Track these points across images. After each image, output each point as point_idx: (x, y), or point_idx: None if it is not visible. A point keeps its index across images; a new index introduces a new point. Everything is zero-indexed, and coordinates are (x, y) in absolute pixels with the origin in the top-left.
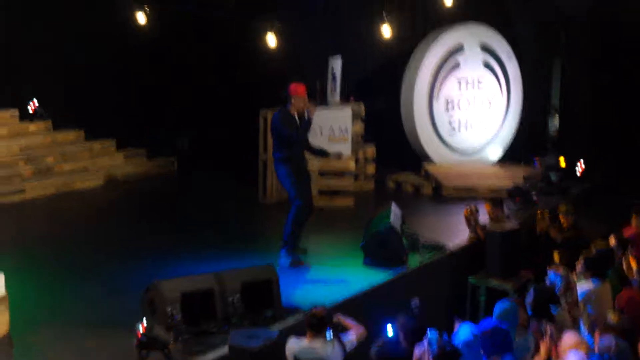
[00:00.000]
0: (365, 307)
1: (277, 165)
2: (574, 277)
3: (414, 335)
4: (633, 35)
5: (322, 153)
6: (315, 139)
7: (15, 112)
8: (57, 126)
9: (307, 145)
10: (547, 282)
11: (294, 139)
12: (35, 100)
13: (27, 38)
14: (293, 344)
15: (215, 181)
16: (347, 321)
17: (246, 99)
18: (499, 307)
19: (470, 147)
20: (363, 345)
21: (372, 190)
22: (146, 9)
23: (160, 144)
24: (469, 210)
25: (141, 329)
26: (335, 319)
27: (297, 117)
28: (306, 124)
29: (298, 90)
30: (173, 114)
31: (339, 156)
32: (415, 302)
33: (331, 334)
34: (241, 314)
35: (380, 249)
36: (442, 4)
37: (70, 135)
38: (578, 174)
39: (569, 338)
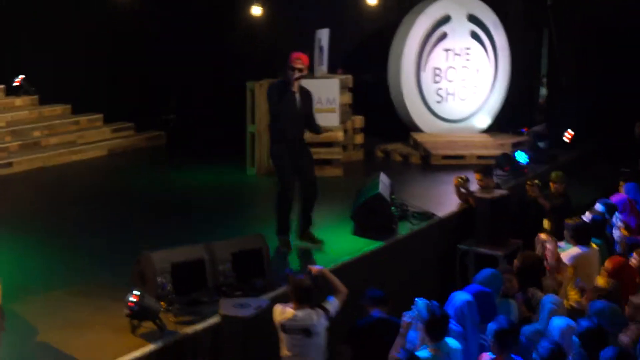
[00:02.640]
0: (353, 275)
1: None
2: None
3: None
4: (618, 4)
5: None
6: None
7: (0, 87)
8: (44, 102)
9: (309, 123)
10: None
11: (276, 112)
12: (21, 76)
13: (13, 14)
14: (278, 313)
15: (203, 154)
16: (333, 278)
17: (233, 71)
18: (481, 274)
19: (459, 115)
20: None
21: (361, 160)
22: None
23: (148, 118)
24: (459, 178)
25: (132, 299)
26: (320, 274)
27: (296, 91)
28: (297, 100)
29: (290, 57)
30: (160, 87)
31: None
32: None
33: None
34: (232, 284)
35: (370, 218)
36: None
37: (56, 109)
38: (567, 142)
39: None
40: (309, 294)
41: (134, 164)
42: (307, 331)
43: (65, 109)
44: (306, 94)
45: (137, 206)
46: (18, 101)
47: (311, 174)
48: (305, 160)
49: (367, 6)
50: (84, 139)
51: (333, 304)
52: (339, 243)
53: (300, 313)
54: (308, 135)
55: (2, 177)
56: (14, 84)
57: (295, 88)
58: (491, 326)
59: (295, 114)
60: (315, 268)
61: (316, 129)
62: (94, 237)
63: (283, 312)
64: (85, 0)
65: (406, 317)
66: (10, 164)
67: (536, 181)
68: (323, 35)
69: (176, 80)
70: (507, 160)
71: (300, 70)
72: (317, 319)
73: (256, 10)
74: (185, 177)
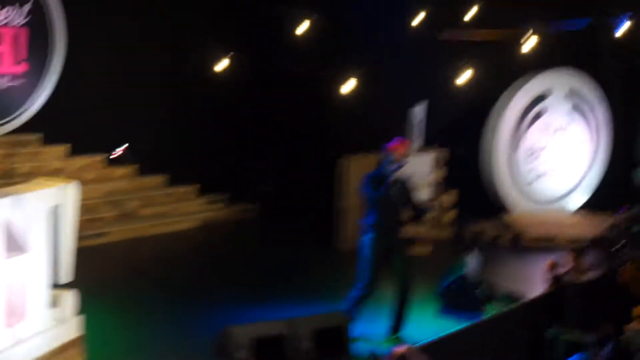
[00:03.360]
0: (437, 356)
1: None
2: None
3: None
4: None
5: (422, 210)
6: None
7: (104, 157)
8: (143, 172)
9: (408, 207)
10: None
11: (375, 197)
12: (124, 145)
13: (118, 88)
14: None
15: (293, 227)
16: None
17: (325, 146)
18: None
19: (552, 195)
20: None
21: (451, 238)
22: (231, 55)
23: (242, 190)
24: (551, 264)
25: None
26: (414, 357)
27: (394, 182)
28: (397, 182)
29: (399, 148)
30: (255, 160)
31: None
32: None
33: None
34: None
35: (458, 297)
36: (521, 51)
37: (154, 180)
38: None
39: None
40: None
41: (224, 237)
42: None
43: (164, 179)
44: (403, 184)
45: (224, 278)
46: (119, 171)
47: (402, 276)
48: (397, 259)
49: (464, 82)
50: (178, 210)
51: None
52: (424, 322)
53: None
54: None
55: (96, 247)
56: (115, 155)
57: (392, 179)
58: None
59: (394, 205)
60: (400, 350)
61: (420, 213)
62: (181, 309)
63: None
64: (186, 71)
65: None
66: (104, 234)
67: (633, 264)
68: (420, 110)
69: (271, 155)
70: (603, 241)
71: (398, 161)
72: None
73: (350, 85)
74: (272, 250)
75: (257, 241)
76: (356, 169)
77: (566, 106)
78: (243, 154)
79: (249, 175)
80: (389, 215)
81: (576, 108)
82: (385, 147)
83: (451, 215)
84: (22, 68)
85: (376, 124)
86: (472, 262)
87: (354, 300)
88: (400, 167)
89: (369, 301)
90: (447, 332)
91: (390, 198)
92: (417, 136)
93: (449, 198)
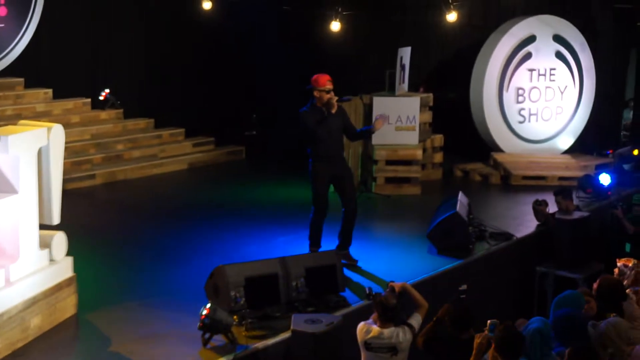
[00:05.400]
0: (429, 294)
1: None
2: None
3: (462, 322)
4: None
5: (366, 133)
6: (384, 127)
7: (87, 101)
8: (128, 115)
9: (351, 137)
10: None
11: (314, 134)
12: (107, 90)
13: (102, 28)
14: (363, 331)
15: (282, 168)
16: (415, 292)
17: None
18: (563, 294)
19: (541, 136)
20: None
21: (440, 179)
22: None
23: (229, 133)
24: (537, 201)
25: (204, 312)
26: (403, 289)
27: (325, 112)
28: (332, 119)
29: (319, 81)
30: (241, 103)
31: (382, 118)
32: (463, 288)
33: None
34: (305, 300)
35: (446, 237)
36: None
37: (140, 123)
38: None
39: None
40: (394, 312)
41: (213, 178)
42: (393, 349)
43: (149, 122)
44: (341, 110)
45: (214, 220)
46: (103, 114)
47: (352, 191)
48: (346, 179)
49: (451, 25)
50: (165, 152)
51: (417, 319)
52: (415, 261)
53: (386, 331)
54: (388, 152)
55: (85, 189)
56: (100, 98)
57: (334, 109)
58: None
59: (335, 133)
60: (397, 284)
61: (354, 135)
62: (171, 249)
63: (368, 330)
64: (173, 16)
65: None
66: (93, 176)
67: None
68: (405, 54)
69: (256, 97)
70: (589, 182)
71: (332, 90)
72: (404, 336)
73: (335, 26)
74: (261, 191)
75: (246, 182)
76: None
77: (551, 51)
78: (228, 98)
79: (234, 118)
80: (328, 145)
81: (559, 54)
82: (314, 80)
83: (440, 157)
84: (1, 12)
85: (366, 66)
86: (460, 203)
87: (310, 224)
88: (328, 100)
89: (322, 224)
90: (437, 270)
91: (327, 128)
92: (403, 79)
93: (437, 140)
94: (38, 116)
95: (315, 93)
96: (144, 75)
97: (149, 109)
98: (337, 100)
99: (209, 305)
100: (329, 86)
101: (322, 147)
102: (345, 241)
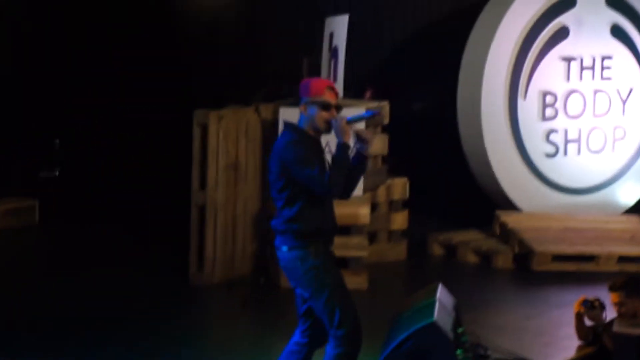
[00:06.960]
0: None
1: (283, 244)
2: None
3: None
4: None
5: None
6: None
7: None
8: None
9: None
10: None
11: (327, 187)
12: None
13: None
14: None
15: (111, 243)
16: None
17: (172, 94)
18: None
19: (586, 181)
20: None
21: (403, 260)
22: None
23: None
24: (582, 304)
25: None
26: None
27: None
28: (357, 155)
29: (311, 88)
30: (28, 122)
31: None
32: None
33: None
34: None
35: None
36: None
37: None
38: None
39: None
40: None
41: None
42: None
43: None
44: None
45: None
46: None
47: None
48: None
49: None
50: None
51: None
52: None
53: None
54: None
55: None
56: None
57: (310, 132)
58: None
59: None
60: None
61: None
62: None
63: None
64: None
65: None
66: None
67: None
68: (338, 27)
69: (62, 114)
70: None
71: (336, 107)
72: None
73: None
74: (80, 285)
75: (46, 269)
76: (228, 132)
77: (604, 24)
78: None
79: (13, 151)
80: (330, 209)
81: (616, 29)
82: (303, 88)
83: (402, 218)
84: None
85: (265, 52)
86: (440, 306)
87: None
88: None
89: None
90: None
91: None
92: (334, 74)
93: (398, 187)
94: None
95: (304, 109)
96: None
97: None
98: (357, 120)
99: None
100: (331, 98)
101: (324, 214)
102: None
